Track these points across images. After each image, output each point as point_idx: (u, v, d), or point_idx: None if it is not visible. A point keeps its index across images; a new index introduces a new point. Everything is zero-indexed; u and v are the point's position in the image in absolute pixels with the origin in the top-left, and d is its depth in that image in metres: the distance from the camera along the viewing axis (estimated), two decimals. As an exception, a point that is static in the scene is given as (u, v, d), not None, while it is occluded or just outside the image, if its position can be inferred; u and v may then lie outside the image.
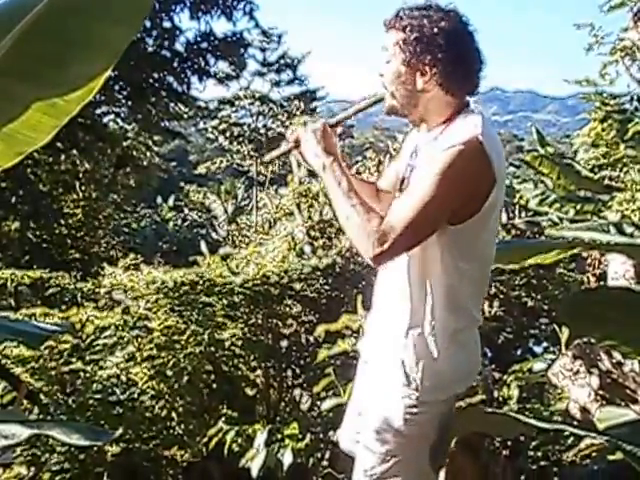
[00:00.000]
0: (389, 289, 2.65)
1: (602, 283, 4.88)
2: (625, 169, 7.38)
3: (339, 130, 2.78)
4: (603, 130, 8.09)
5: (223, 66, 18.72)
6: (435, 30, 2.43)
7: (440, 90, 2.49)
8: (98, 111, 16.74)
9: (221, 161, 32.77)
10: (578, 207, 7.25)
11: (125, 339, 4.97)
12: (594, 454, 3.55)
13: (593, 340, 3.56)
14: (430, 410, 2.61)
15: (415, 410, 2.57)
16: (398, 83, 2.53)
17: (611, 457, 3.25)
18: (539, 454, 4.05)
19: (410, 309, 2.54)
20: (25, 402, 4.56)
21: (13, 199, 15.06)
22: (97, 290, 6.45)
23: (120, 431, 2.28)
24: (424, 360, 2.54)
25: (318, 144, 2.60)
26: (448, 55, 2.44)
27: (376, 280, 2.73)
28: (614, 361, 3.72)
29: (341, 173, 2.52)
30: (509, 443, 4.06)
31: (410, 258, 2.49)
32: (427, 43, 2.44)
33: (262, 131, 30.06)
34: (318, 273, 5.05)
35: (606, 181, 7.61)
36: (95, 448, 4.36)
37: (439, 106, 2.53)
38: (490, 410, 3.18)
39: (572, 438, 3.66)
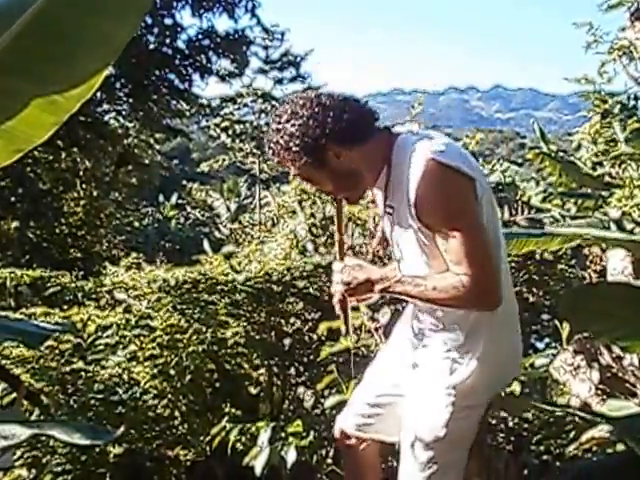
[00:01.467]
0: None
1: (602, 279, 4.89)
2: (624, 166, 7.45)
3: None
4: (602, 127, 8.15)
5: (225, 64, 18.77)
6: (311, 123, 2.49)
7: (358, 149, 2.55)
8: (99, 109, 16.74)
9: (223, 159, 32.76)
10: (579, 203, 7.29)
11: (127, 338, 4.97)
12: (595, 447, 3.55)
13: (593, 335, 3.57)
14: (472, 413, 2.65)
15: (459, 415, 2.62)
16: (333, 181, 2.59)
17: (610, 450, 3.26)
18: (541, 448, 4.05)
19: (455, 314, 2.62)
20: (25, 403, 4.54)
21: (13, 198, 15.07)
22: (98, 289, 6.45)
23: (122, 429, 2.28)
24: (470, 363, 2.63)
25: (363, 273, 2.66)
26: (335, 125, 2.49)
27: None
28: (614, 355, 3.73)
29: (400, 280, 2.59)
30: (512, 438, 4.06)
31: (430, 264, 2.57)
32: (315, 139, 2.49)
33: (265, 129, 30.01)
34: (320, 270, 5.04)
35: (606, 178, 7.65)
36: (97, 449, 4.35)
37: (370, 159, 2.58)
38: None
39: (574, 432, 3.66)
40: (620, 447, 3.16)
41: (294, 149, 2.49)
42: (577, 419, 3.50)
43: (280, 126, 2.51)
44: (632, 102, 8.09)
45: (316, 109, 2.48)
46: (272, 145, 2.55)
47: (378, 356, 3.16)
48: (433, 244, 2.51)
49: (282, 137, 2.50)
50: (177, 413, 4.70)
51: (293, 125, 2.48)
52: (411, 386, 2.81)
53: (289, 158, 2.53)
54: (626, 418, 2.93)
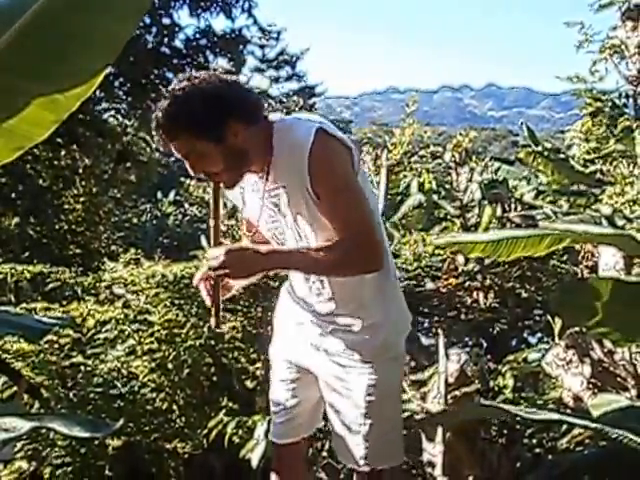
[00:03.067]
0: None
1: (594, 274, 4.93)
2: (615, 163, 7.51)
3: None
4: (593, 125, 8.21)
5: (222, 62, 18.74)
6: (220, 92, 2.46)
7: (252, 129, 2.54)
8: (98, 107, 16.76)
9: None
10: (571, 200, 7.35)
11: (126, 333, 4.99)
12: (587, 440, 3.60)
13: (584, 329, 3.62)
14: (395, 364, 2.98)
15: (386, 368, 2.91)
16: (225, 160, 2.53)
17: (602, 443, 3.30)
18: (534, 441, 4.11)
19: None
20: (26, 397, 4.57)
21: (13, 195, 15.07)
22: (98, 284, 6.45)
23: (121, 422, 2.31)
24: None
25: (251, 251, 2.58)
26: (238, 102, 2.50)
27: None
28: (605, 350, 3.78)
29: (278, 258, 2.65)
30: (505, 431, 4.11)
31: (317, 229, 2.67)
32: (220, 114, 2.46)
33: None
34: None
35: (598, 175, 7.71)
36: (96, 442, 4.38)
37: (258, 141, 2.57)
38: (483, 403, 3.24)
39: (565, 425, 3.71)
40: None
41: (197, 123, 2.42)
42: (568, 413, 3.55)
43: (180, 100, 2.42)
44: (623, 100, 8.16)
45: (219, 85, 2.45)
46: (168, 118, 2.44)
47: (277, 351, 3.16)
48: (321, 215, 2.60)
49: (184, 110, 2.42)
50: (175, 406, 4.73)
51: (196, 100, 2.41)
52: (329, 366, 2.91)
53: (189, 132, 2.44)
54: (609, 413, 2.98)
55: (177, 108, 2.42)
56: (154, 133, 2.49)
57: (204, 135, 2.45)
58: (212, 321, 2.77)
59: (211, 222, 2.63)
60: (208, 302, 2.76)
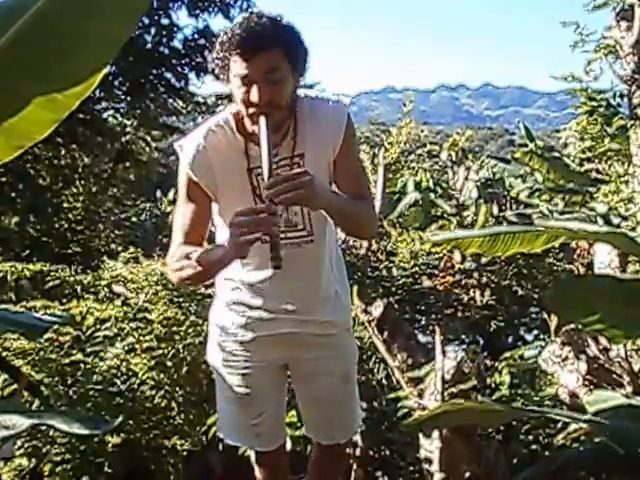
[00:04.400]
0: None
1: (590, 272, 4.96)
2: (610, 162, 7.56)
3: None
4: (589, 124, 8.25)
5: (221, 62, 18.75)
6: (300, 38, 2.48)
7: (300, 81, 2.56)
8: (98, 106, 16.77)
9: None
10: (567, 199, 7.39)
11: (125, 331, 5.01)
12: (583, 437, 3.62)
13: (580, 327, 3.64)
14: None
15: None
16: (288, 95, 2.49)
17: (598, 439, 3.32)
18: (530, 438, 4.13)
19: None
20: (25, 394, 4.59)
21: (13, 193, 15.07)
22: (97, 283, 6.46)
23: (120, 420, 2.32)
24: None
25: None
26: (303, 50, 2.50)
27: None
28: (601, 347, 3.80)
29: (335, 195, 2.62)
30: (502, 428, 4.13)
31: None
32: (300, 48, 2.47)
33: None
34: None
35: (593, 174, 7.75)
36: (96, 439, 4.40)
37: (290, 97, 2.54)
38: (478, 402, 3.26)
39: (561, 422, 3.73)
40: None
41: (298, 43, 2.44)
42: (565, 410, 3.57)
43: (284, 20, 2.43)
44: (617, 99, 8.21)
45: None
46: (273, 23, 2.40)
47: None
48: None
49: (290, 27, 2.43)
50: (174, 404, 4.74)
51: (295, 32, 2.44)
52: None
53: (287, 47, 2.41)
54: (605, 410, 3.00)
55: (284, 22, 2.43)
56: (225, 41, 2.43)
57: (295, 59, 2.44)
58: (271, 262, 2.33)
59: (264, 155, 2.37)
60: (263, 237, 2.33)
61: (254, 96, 2.39)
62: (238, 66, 2.40)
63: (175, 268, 2.60)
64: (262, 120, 2.39)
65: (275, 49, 2.38)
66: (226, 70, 2.47)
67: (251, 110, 2.43)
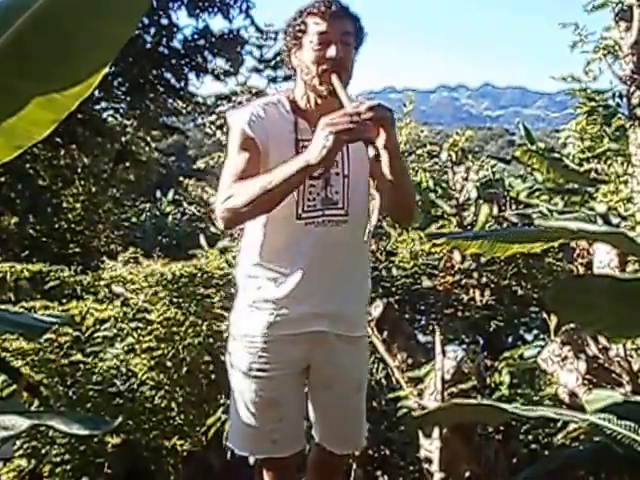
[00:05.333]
0: None
1: (589, 272, 4.97)
2: (609, 162, 7.58)
3: None
4: (588, 124, 8.26)
5: (220, 63, 18.75)
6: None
7: None
8: (97, 107, 16.76)
9: (219, 156, 32.70)
10: (566, 199, 7.40)
11: (125, 331, 5.01)
12: (582, 436, 3.63)
13: (579, 326, 3.65)
14: None
15: None
16: (352, 60, 2.75)
17: (597, 438, 3.33)
18: (530, 437, 4.13)
19: None
20: (25, 395, 4.59)
21: (12, 194, 15.07)
22: (97, 283, 6.46)
23: (120, 420, 2.32)
24: None
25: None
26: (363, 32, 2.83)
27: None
28: (600, 346, 3.80)
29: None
30: (501, 428, 4.14)
31: None
32: (362, 29, 2.82)
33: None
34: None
35: (592, 174, 7.76)
36: (95, 439, 4.40)
37: None
38: (475, 402, 3.26)
39: (561, 422, 3.73)
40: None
41: (362, 28, 2.79)
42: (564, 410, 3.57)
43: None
44: (617, 100, 8.22)
45: None
46: (352, 11, 2.74)
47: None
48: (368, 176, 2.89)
49: (358, 16, 2.76)
50: (174, 404, 4.75)
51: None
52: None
53: (357, 23, 2.76)
54: (604, 409, 3.00)
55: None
56: (306, 7, 2.73)
57: (359, 34, 2.78)
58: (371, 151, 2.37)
59: (346, 102, 2.55)
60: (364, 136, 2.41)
61: (332, 51, 2.64)
62: (319, 26, 2.68)
63: (237, 194, 2.57)
64: (335, 77, 2.63)
65: (350, 18, 2.73)
66: (301, 34, 2.72)
67: (324, 67, 2.65)
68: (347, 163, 2.80)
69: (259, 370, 2.90)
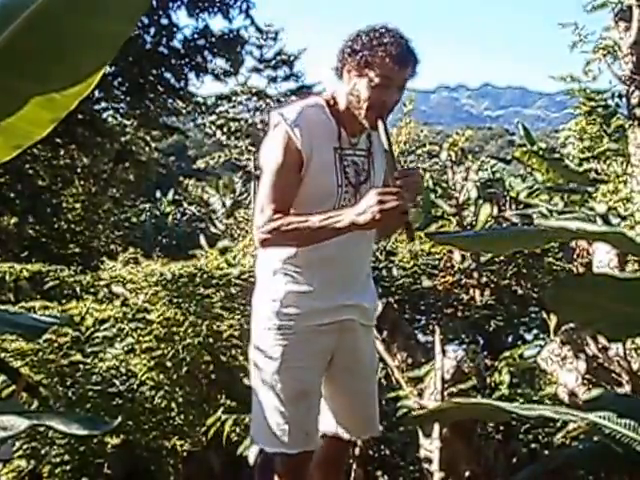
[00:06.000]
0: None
1: (589, 271, 4.96)
2: (608, 162, 7.60)
3: None
4: (587, 124, 8.29)
5: (220, 63, 18.80)
6: None
7: None
8: (97, 107, 16.78)
9: (219, 156, 32.87)
10: (566, 198, 7.41)
11: (124, 331, 5.02)
12: (582, 436, 3.62)
13: (579, 326, 3.64)
14: None
15: None
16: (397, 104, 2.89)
17: (597, 438, 3.32)
18: (530, 437, 4.13)
19: None
20: (24, 395, 4.58)
21: (12, 194, 15.08)
22: (96, 283, 6.47)
23: (119, 420, 2.33)
24: None
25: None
26: None
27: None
28: (600, 346, 3.79)
29: None
30: (501, 427, 4.13)
31: None
32: None
33: (259, 126, 30.14)
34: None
35: (592, 174, 7.77)
36: (95, 440, 4.40)
37: None
38: (474, 401, 3.26)
39: (561, 421, 3.73)
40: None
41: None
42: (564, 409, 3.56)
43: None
44: (616, 100, 8.24)
45: None
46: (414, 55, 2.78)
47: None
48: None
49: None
50: (174, 404, 4.75)
51: None
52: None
53: (415, 67, 2.80)
54: (604, 409, 2.99)
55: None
56: (384, 43, 2.73)
57: (414, 74, 2.84)
58: (407, 235, 2.82)
59: (389, 150, 2.76)
60: (402, 218, 2.64)
61: (390, 97, 2.76)
62: (386, 69, 2.72)
63: (283, 231, 2.72)
64: (380, 123, 2.75)
65: (414, 64, 2.80)
66: (365, 65, 2.74)
67: (373, 109, 2.75)
68: (372, 173, 2.96)
69: (295, 360, 2.93)
